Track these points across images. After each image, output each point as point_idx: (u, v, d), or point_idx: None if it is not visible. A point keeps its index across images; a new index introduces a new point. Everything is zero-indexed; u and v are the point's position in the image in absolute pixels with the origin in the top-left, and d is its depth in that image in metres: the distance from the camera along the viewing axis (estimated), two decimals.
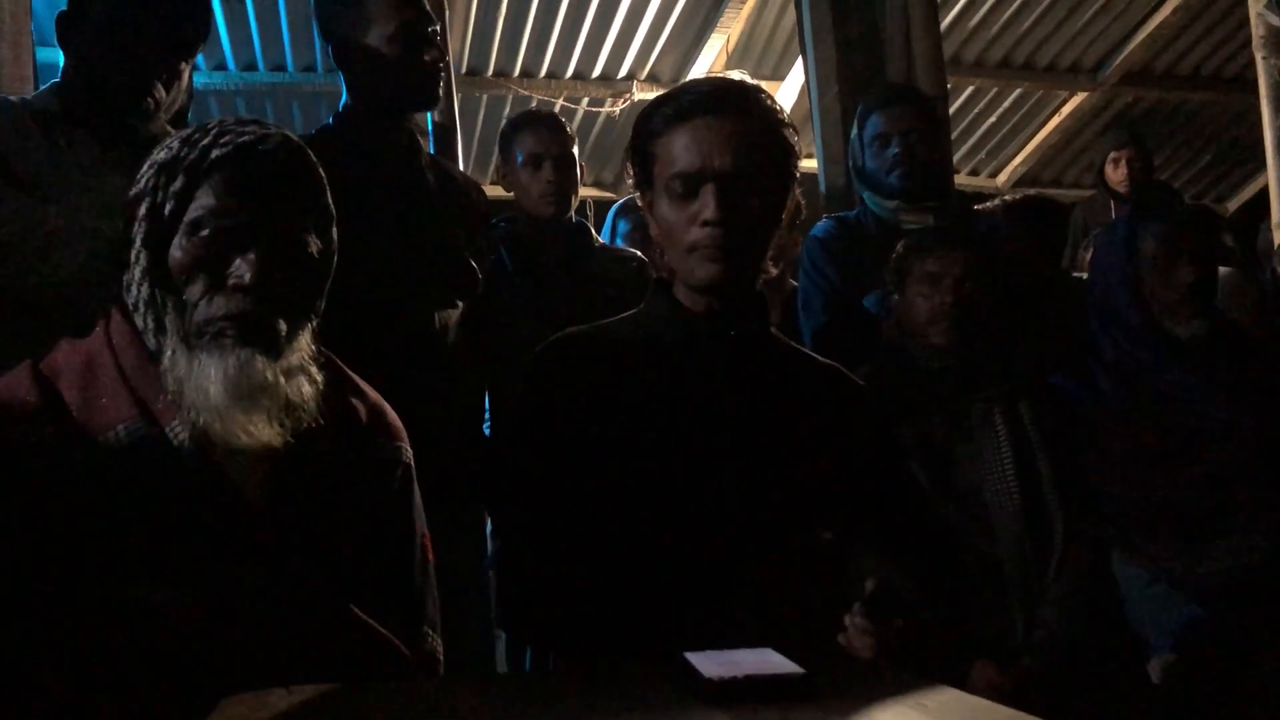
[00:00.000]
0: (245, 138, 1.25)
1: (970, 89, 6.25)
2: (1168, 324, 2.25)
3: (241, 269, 1.22)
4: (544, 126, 2.81)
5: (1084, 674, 1.99)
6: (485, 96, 5.85)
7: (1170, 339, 2.24)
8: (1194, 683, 1.98)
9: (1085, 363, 2.34)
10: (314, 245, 1.29)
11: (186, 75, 1.93)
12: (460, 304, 2.24)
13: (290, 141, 1.30)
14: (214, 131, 1.27)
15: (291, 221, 1.27)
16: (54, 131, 1.83)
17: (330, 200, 1.34)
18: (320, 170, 1.33)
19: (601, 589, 1.36)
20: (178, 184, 1.24)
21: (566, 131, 2.83)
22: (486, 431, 2.55)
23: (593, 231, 2.93)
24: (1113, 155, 4.36)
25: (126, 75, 1.82)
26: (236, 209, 1.23)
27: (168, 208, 1.24)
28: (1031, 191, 3.92)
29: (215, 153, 1.24)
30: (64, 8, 1.88)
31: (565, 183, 2.75)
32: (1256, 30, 4.26)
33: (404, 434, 1.42)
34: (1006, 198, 3.31)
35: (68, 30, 1.87)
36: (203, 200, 1.23)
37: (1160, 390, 2.24)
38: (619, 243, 3.29)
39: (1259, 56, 4.25)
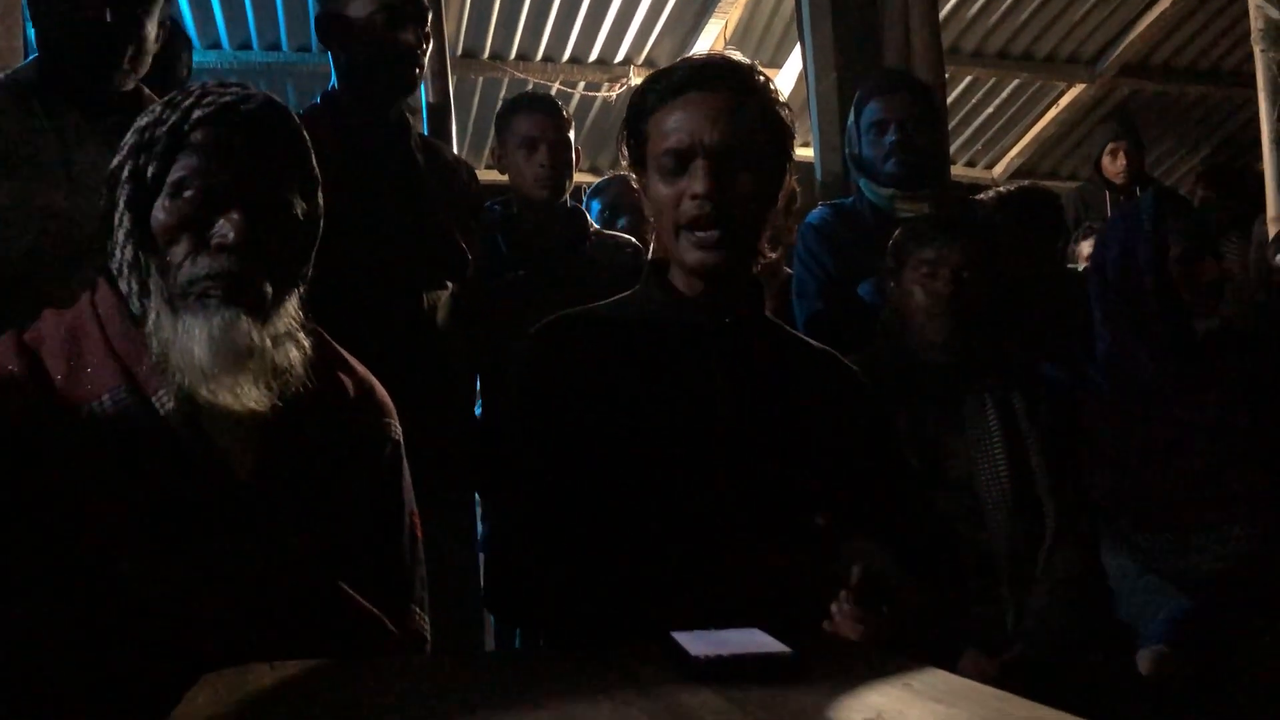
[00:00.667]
0: (227, 98, 1.25)
1: (968, 79, 6.24)
2: (1185, 326, 2.26)
3: (224, 228, 1.21)
4: (540, 110, 2.80)
5: (1073, 664, 2.00)
6: (481, 79, 5.83)
7: (1179, 335, 2.26)
8: (1182, 674, 1.98)
9: (1076, 353, 2.34)
10: (299, 207, 1.28)
11: (151, 27, 1.90)
12: (449, 285, 2.23)
13: (273, 102, 1.29)
14: (196, 93, 1.26)
15: (275, 183, 1.26)
16: (31, 102, 1.81)
17: (315, 164, 1.33)
18: (304, 133, 1.32)
19: (591, 572, 1.35)
20: (160, 145, 1.23)
21: (562, 115, 2.81)
22: (478, 414, 2.54)
23: (588, 216, 2.92)
24: (1110, 146, 4.36)
25: (86, 34, 1.80)
26: (219, 169, 1.22)
27: (150, 169, 1.23)
28: (1026, 182, 3.93)
29: (197, 113, 1.23)
30: None
31: (560, 166, 2.74)
32: (1255, 23, 4.25)
33: (393, 411, 1.42)
34: (1002, 189, 3.31)
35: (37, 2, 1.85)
36: (185, 161, 1.23)
37: (1154, 383, 2.24)
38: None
39: (1257, 49, 4.24)
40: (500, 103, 5.86)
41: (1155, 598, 2.10)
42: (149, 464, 1.18)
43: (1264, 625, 2.05)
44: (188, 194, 1.22)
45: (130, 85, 1.88)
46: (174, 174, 1.23)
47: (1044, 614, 2.02)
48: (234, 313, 1.20)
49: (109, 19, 1.79)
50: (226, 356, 1.19)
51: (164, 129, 1.24)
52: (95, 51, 1.82)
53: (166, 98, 1.29)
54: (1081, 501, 2.14)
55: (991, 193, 3.36)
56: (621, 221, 3.27)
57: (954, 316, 2.14)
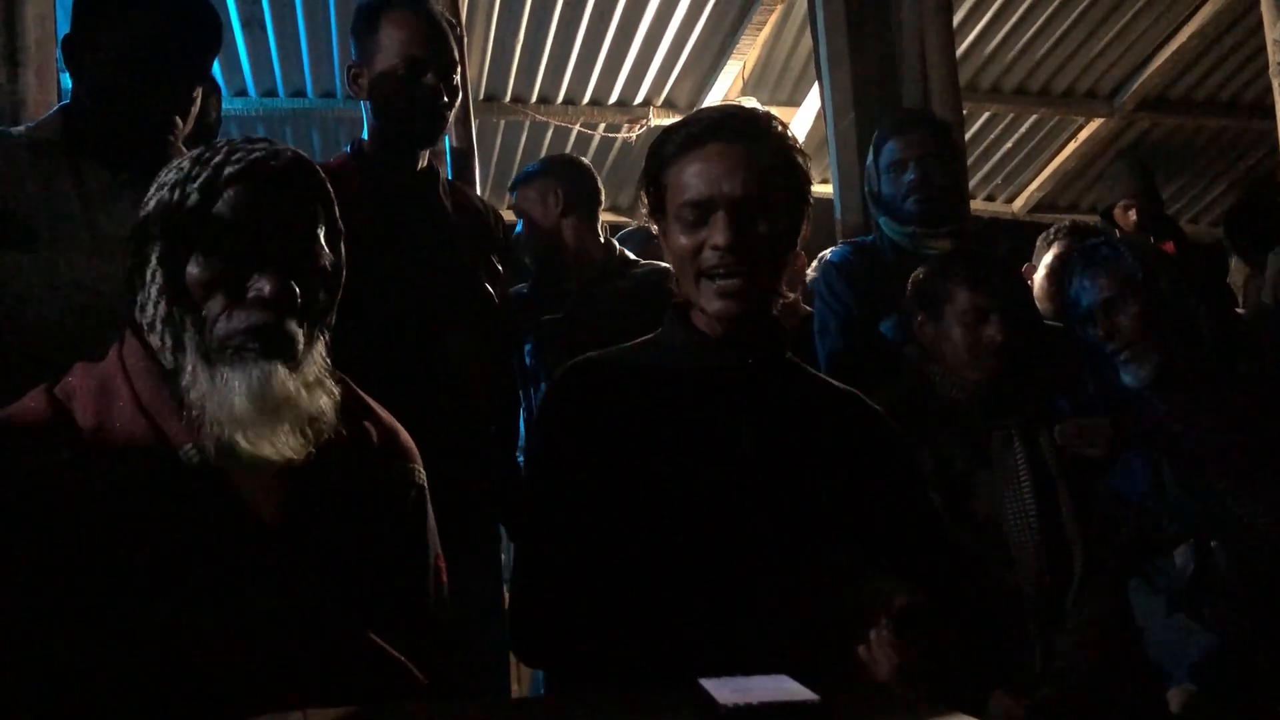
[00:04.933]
0: (257, 154, 1.27)
1: (986, 115, 6.25)
2: (1120, 373, 2.28)
3: (261, 284, 1.23)
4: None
5: (1102, 705, 1.97)
6: (503, 122, 5.89)
7: (1114, 378, 2.30)
8: (1212, 713, 1.96)
9: (1087, 388, 2.35)
10: (326, 258, 1.31)
11: (199, 98, 1.89)
12: (477, 330, 2.25)
13: (300, 157, 1.32)
14: (224, 149, 1.28)
15: (304, 235, 1.29)
16: (56, 162, 1.77)
17: (339, 215, 1.35)
18: (329, 185, 1.34)
19: (617, 616, 1.35)
20: (192, 200, 1.25)
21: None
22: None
23: (617, 247, 2.97)
24: (1124, 203, 4.43)
25: (148, 108, 1.78)
26: (252, 224, 1.25)
27: (183, 226, 1.25)
28: (1068, 220, 3.98)
29: (229, 169, 1.26)
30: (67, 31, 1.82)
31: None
32: (1273, 56, 4.24)
33: (417, 455, 1.43)
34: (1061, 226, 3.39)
35: (77, 55, 1.81)
36: (219, 217, 1.25)
37: (1155, 416, 2.24)
38: None
39: (1276, 82, 4.23)
40: (522, 147, 5.94)
41: (1184, 636, 2.08)
42: (177, 515, 1.19)
43: None
44: (223, 250, 1.24)
45: (174, 151, 1.81)
46: (208, 230, 1.25)
47: (1073, 654, 2.00)
48: (272, 365, 1.22)
49: (165, 91, 1.78)
50: (266, 408, 1.21)
51: (195, 185, 1.26)
52: (146, 121, 1.78)
53: (194, 153, 1.31)
54: (1109, 540, 2.13)
55: (1049, 231, 3.40)
56: None
57: (998, 358, 2.14)
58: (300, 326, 1.27)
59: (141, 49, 1.75)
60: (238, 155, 1.27)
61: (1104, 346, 2.29)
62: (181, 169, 1.29)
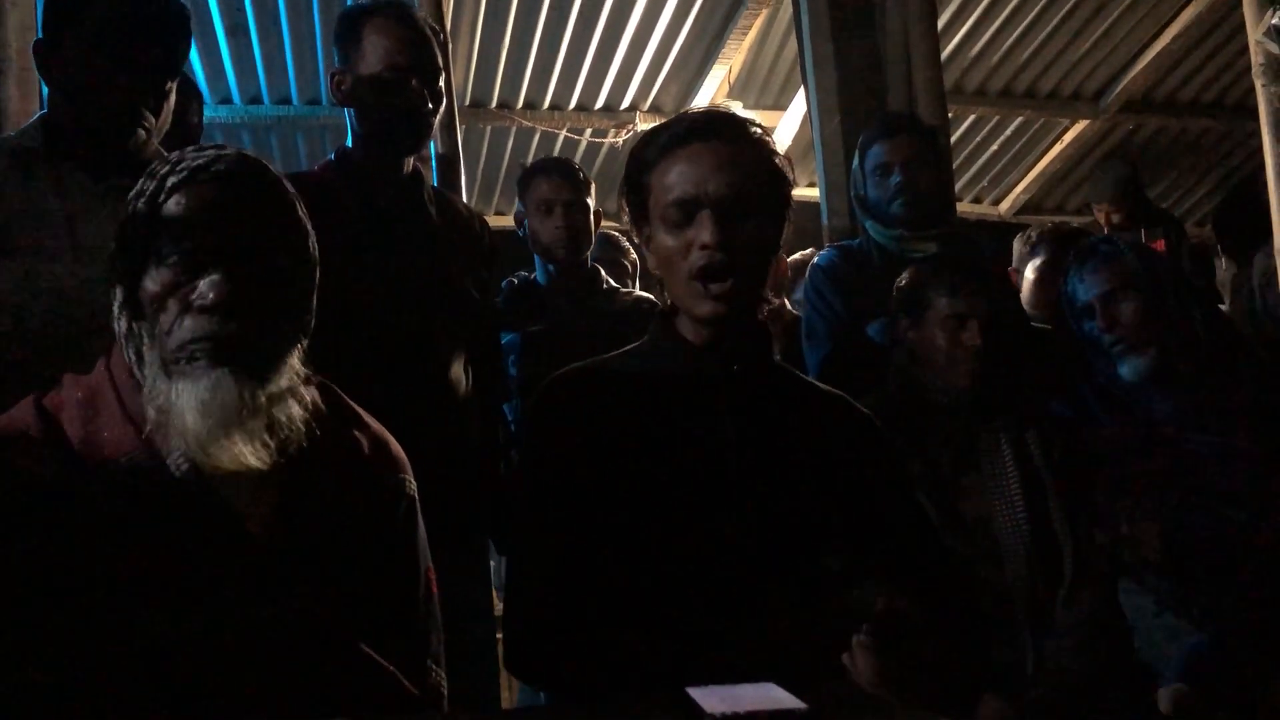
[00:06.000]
0: (198, 161, 1.26)
1: (972, 117, 6.27)
2: (1118, 366, 2.29)
3: (205, 289, 1.22)
4: (556, 172, 2.89)
5: (1093, 706, 1.98)
6: (489, 128, 5.88)
7: (1113, 375, 2.30)
8: (1203, 712, 1.96)
9: (1081, 390, 2.35)
10: (285, 259, 1.29)
11: (172, 94, 1.88)
12: (465, 338, 2.24)
13: (247, 158, 1.29)
14: (174, 159, 1.28)
15: (257, 238, 1.26)
16: (36, 169, 1.77)
17: (302, 214, 1.33)
18: (285, 184, 1.32)
19: (607, 626, 1.35)
20: (141, 216, 1.25)
21: (579, 177, 2.89)
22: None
23: (603, 274, 2.97)
24: (1095, 208, 4.48)
25: (113, 102, 1.77)
26: (196, 231, 1.23)
27: (135, 241, 1.25)
28: (1053, 221, 3.99)
29: (171, 180, 1.25)
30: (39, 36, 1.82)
31: (575, 228, 2.83)
32: (1256, 58, 4.26)
33: (408, 466, 1.42)
34: (1044, 228, 3.40)
35: (47, 59, 1.81)
36: (164, 228, 1.24)
37: (1153, 417, 2.25)
38: None
39: (1259, 84, 4.24)
40: (507, 151, 5.94)
41: (1173, 636, 2.08)
42: (165, 525, 1.19)
43: None
44: (170, 260, 1.23)
45: (150, 150, 1.83)
46: (156, 242, 1.24)
47: (1063, 656, 2.00)
48: (222, 373, 1.20)
49: (128, 83, 1.77)
50: (217, 418, 1.19)
51: (144, 199, 1.26)
52: (113, 115, 1.78)
53: (149, 169, 1.30)
54: (1098, 540, 2.13)
55: (1030, 231, 3.41)
56: None
57: (979, 362, 2.14)
58: (264, 334, 1.25)
59: (101, 41, 1.74)
60: (182, 164, 1.26)
61: (1102, 340, 2.30)
62: (139, 184, 1.29)
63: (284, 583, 1.22)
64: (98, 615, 1.14)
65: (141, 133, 1.81)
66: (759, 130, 1.47)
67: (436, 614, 1.39)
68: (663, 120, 1.55)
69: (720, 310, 1.42)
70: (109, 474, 1.20)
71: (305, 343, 1.33)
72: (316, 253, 1.35)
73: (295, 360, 1.30)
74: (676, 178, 1.42)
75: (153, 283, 1.24)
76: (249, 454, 1.21)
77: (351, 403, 1.42)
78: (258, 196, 1.28)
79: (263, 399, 1.23)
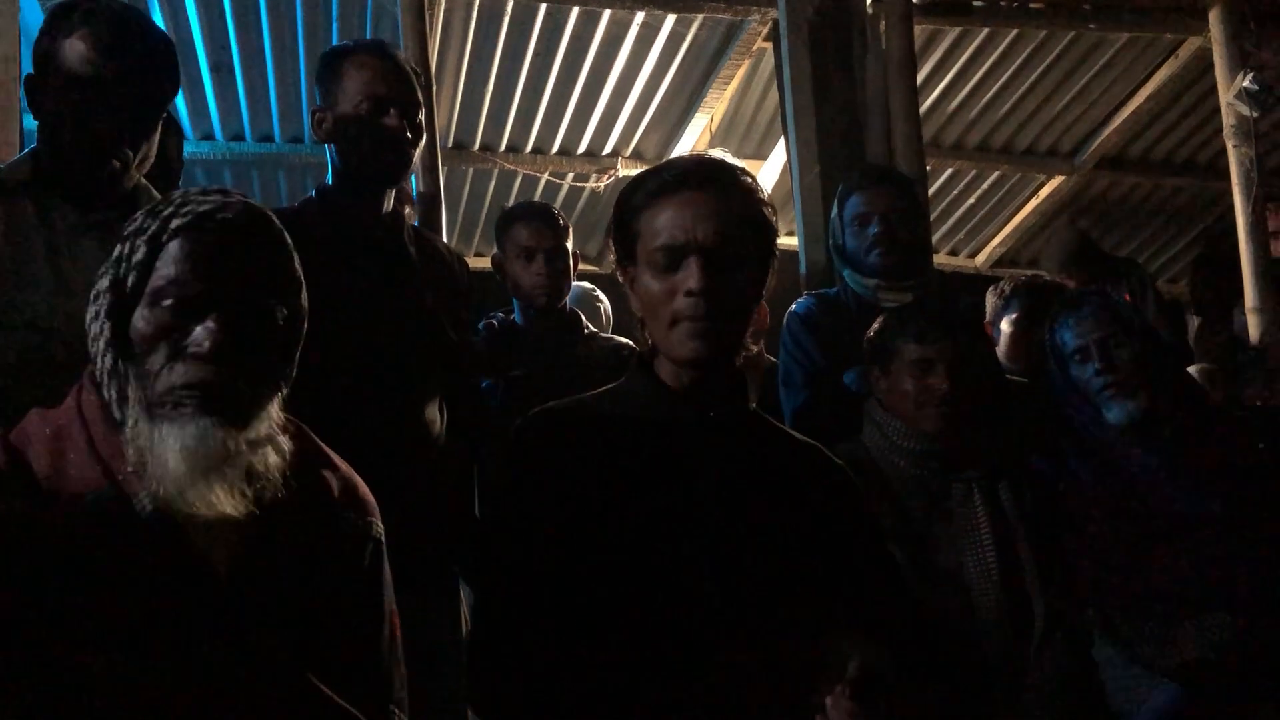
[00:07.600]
0: (205, 206, 1.26)
1: (950, 171, 6.34)
2: (1106, 410, 2.33)
3: (200, 337, 1.21)
4: (537, 219, 2.88)
5: None
6: (471, 170, 5.90)
7: (1095, 423, 2.35)
8: None
9: (1058, 444, 2.37)
10: (279, 313, 1.28)
11: (157, 129, 1.88)
12: (441, 377, 2.23)
13: (252, 208, 1.29)
14: (176, 201, 1.27)
15: (255, 288, 1.26)
16: (22, 203, 1.76)
17: (298, 267, 1.33)
18: (285, 236, 1.32)
19: (575, 672, 1.33)
20: (139, 254, 1.24)
21: (559, 223, 2.89)
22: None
23: (583, 319, 2.97)
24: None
25: (91, 136, 1.76)
26: (196, 277, 1.23)
27: (130, 279, 1.24)
28: (1027, 274, 4.04)
29: (175, 222, 1.24)
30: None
31: (555, 274, 2.83)
32: (1227, 119, 4.37)
33: (375, 509, 1.41)
34: (1017, 280, 3.40)
35: (34, 93, 1.81)
36: (163, 270, 1.24)
37: (1128, 472, 2.26)
38: None
39: (1230, 144, 4.35)
40: (489, 195, 5.95)
41: (1142, 687, 2.08)
42: (128, 564, 1.17)
43: (1250, 712, 2.04)
44: (165, 303, 1.23)
45: (132, 184, 1.83)
46: (152, 283, 1.24)
47: (1035, 709, 1.99)
48: (209, 423, 1.20)
49: (109, 118, 1.76)
50: (199, 466, 1.18)
51: (144, 238, 1.25)
52: (98, 153, 1.78)
53: (150, 206, 1.29)
54: (1070, 593, 2.13)
55: (1003, 284, 3.43)
56: None
57: (947, 409, 2.14)
58: (249, 382, 1.25)
59: (84, 72, 1.74)
60: (187, 208, 1.26)
61: (1092, 384, 2.33)
62: (135, 220, 1.28)
63: (247, 624, 1.21)
64: (59, 653, 1.12)
65: (117, 163, 1.80)
66: (749, 179, 1.49)
67: (400, 657, 1.38)
68: (644, 167, 1.56)
69: (701, 351, 1.42)
70: (74, 511, 1.19)
71: (286, 391, 1.32)
72: (307, 305, 1.35)
73: (275, 408, 1.30)
74: (666, 223, 1.43)
75: (145, 323, 1.23)
76: (226, 503, 1.20)
77: (320, 443, 1.41)
78: (260, 248, 1.29)
79: (244, 446, 1.23)
